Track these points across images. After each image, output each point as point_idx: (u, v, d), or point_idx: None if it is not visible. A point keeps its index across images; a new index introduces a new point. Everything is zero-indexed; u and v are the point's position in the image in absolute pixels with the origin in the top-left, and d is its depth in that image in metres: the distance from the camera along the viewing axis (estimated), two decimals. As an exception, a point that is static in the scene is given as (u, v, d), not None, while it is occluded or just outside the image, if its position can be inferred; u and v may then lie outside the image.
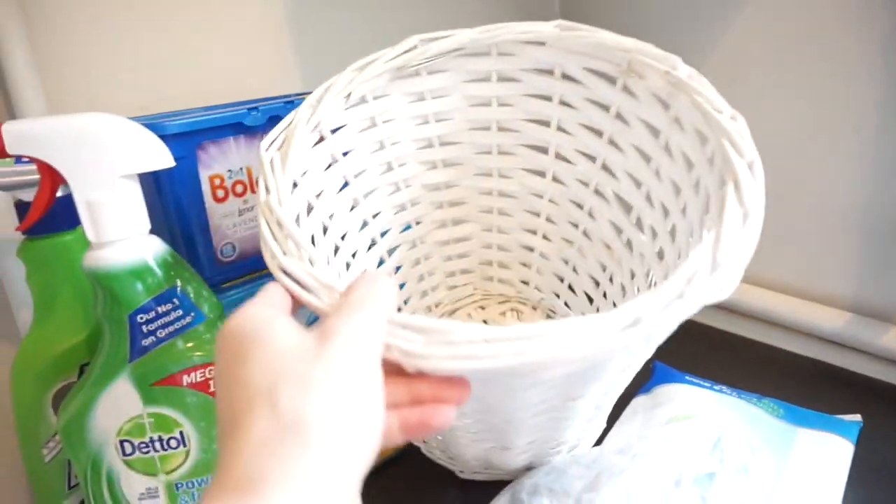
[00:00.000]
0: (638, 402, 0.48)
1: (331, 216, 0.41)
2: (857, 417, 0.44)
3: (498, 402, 0.32)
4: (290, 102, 0.46)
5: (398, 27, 0.67)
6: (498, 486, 0.41)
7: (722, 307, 0.64)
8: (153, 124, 0.39)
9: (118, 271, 0.33)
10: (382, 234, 0.48)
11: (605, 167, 0.44)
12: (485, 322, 0.54)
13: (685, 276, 0.24)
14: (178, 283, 0.35)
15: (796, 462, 0.40)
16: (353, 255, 0.44)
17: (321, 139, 0.40)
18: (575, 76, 0.41)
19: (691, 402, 0.45)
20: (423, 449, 0.46)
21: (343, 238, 0.43)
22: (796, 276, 0.62)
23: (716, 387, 0.48)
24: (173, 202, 0.42)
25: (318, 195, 0.39)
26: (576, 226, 0.48)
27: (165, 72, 0.55)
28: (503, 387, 0.30)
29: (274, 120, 0.45)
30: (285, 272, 0.28)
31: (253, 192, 0.46)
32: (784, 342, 0.60)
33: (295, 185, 0.35)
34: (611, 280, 0.46)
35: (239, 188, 0.45)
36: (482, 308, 0.55)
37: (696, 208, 0.34)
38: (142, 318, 0.34)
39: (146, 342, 0.34)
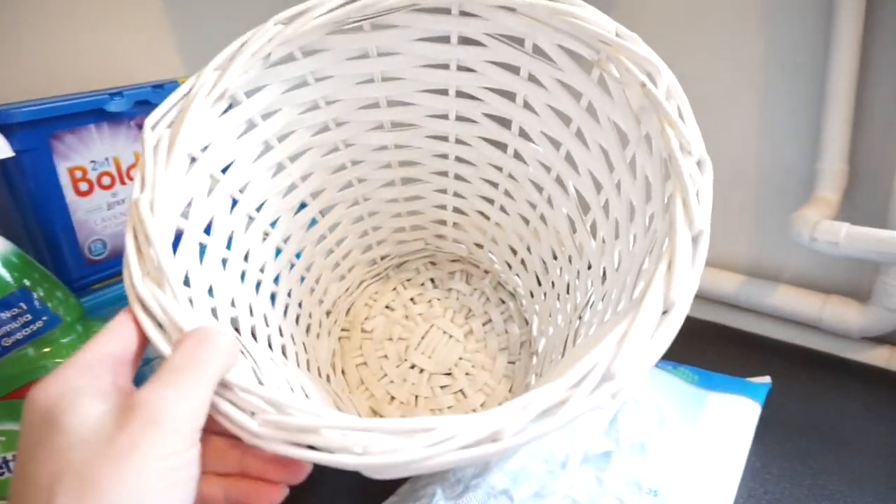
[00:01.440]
0: None
1: (244, 187, 0.38)
2: (767, 379, 0.46)
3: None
4: (160, 87, 0.43)
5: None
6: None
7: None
8: (-5, 113, 0.35)
9: (-48, 275, 0.30)
10: (315, 196, 0.45)
11: (568, 157, 0.41)
12: (432, 280, 0.53)
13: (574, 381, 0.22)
14: (26, 284, 0.32)
15: (704, 425, 0.41)
16: (274, 224, 0.41)
17: (230, 106, 0.35)
18: (548, 52, 0.36)
19: None
20: None
21: (260, 208, 0.40)
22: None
23: None
24: (27, 197, 0.39)
25: (225, 168, 0.36)
26: (534, 207, 0.45)
27: (23, 57, 0.50)
28: None
29: (141, 105, 0.42)
30: (140, 300, 0.25)
31: (123, 183, 0.43)
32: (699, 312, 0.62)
33: (193, 160, 0.32)
34: (559, 272, 0.44)
35: (105, 180, 0.42)
36: (433, 264, 0.54)
37: (641, 246, 0.31)
38: (-17, 326, 0.31)
39: (-9, 352, 0.31)
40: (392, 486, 0.39)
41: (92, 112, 0.40)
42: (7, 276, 0.31)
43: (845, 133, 0.50)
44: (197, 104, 0.31)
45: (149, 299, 0.24)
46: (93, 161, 0.41)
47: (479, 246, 0.52)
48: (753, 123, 0.57)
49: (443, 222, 0.52)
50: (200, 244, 0.33)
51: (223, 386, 0.22)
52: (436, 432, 0.21)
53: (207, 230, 0.34)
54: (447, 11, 0.37)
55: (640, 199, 0.32)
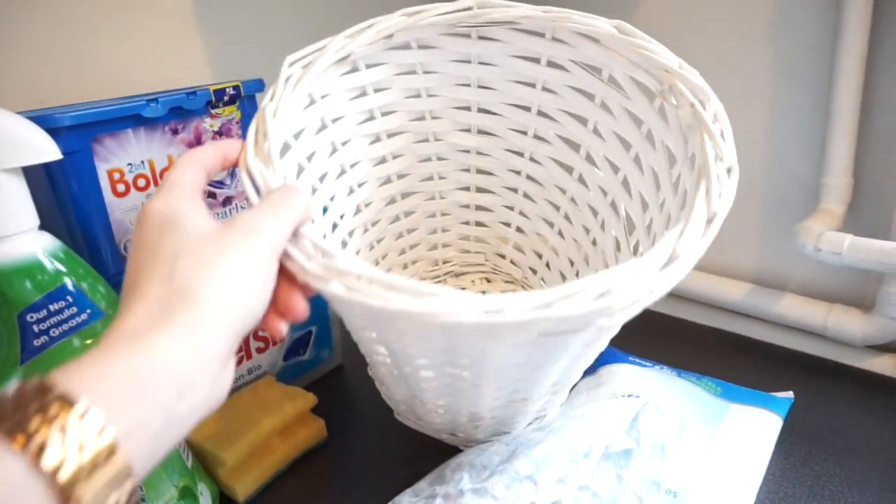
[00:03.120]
0: (583, 382, 0.50)
1: (345, 142, 0.44)
2: (790, 394, 0.47)
3: (462, 359, 0.32)
4: (193, 93, 0.45)
5: (320, 15, 0.67)
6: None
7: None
8: (43, 117, 0.37)
9: (4, 269, 0.32)
10: (400, 176, 0.50)
11: (624, 182, 0.43)
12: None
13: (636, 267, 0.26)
14: (72, 279, 0.34)
15: (725, 434, 0.42)
16: (361, 185, 0.47)
17: (351, 70, 0.41)
18: (620, 82, 0.40)
19: (632, 381, 0.47)
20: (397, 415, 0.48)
21: (354, 166, 0.46)
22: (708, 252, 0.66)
23: (657, 366, 0.50)
24: (69, 197, 0.41)
25: (335, 119, 0.42)
26: (587, 231, 0.47)
27: (66, 64, 0.52)
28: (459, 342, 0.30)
29: (175, 112, 0.44)
30: (248, 170, 0.30)
31: (156, 185, 0.45)
32: (706, 319, 0.63)
33: (312, 101, 0.39)
34: (587, 262, 0.46)
35: (141, 182, 0.44)
36: (488, 281, 0.57)
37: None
38: (32, 318, 0.33)
39: (38, 342, 0.33)
40: (412, 479, 0.41)
41: (130, 117, 0.42)
42: (55, 270, 0.33)
43: (850, 148, 0.52)
44: (326, 58, 0.37)
45: (255, 169, 0.30)
46: (129, 164, 0.43)
47: (534, 271, 0.54)
48: (761, 136, 0.58)
49: (505, 240, 0.55)
50: (300, 165, 0.39)
51: (294, 235, 0.28)
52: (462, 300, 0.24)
53: (309, 159, 0.41)
54: (542, 35, 0.43)
55: (677, 211, 0.35)
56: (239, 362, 0.51)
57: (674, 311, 0.65)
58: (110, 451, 0.18)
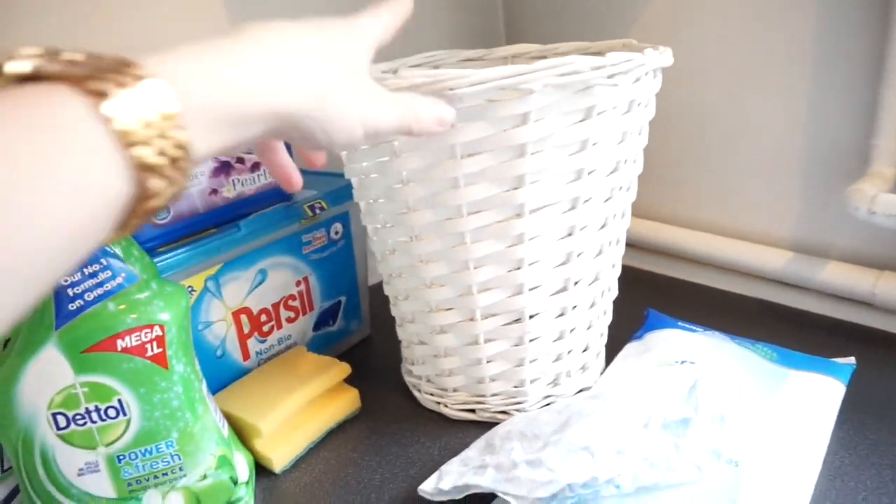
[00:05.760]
0: (630, 348, 0.48)
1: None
2: (851, 360, 0.45)
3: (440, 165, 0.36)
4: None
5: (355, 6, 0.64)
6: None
7: (687, 258, 0.65)
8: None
9: (36, 231, 0.31)
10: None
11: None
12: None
13: None
14: (106, 242, 0.33)
15: (784, 402, 0.40)
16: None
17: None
18: None
19: (682, 346, 0.45)
20: (414, 390, 0.49)
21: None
22: (739, 219, 0.64)
23: (707, 331, 0.48)
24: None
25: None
26: None
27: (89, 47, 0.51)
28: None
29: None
30: None
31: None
32: (745, 288, 0.62)
33: None
34: None
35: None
36: None
37: None
38: (66, 281, 0.32)
39: (73, 306, 0.32)
40: (445, 451, 0.40)
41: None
42: (88, 232, 0.32)
43: (904, 107, 0.49)
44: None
45: None
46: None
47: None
48: (805, 96, 0.56)
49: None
50: None
51: None
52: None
53: None
54: None
55: None
56: (270, 332, 0.50)
57: (711, 281, 0.63)
58: (170, 118, 0.19)
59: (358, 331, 0.59)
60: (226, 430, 0.40)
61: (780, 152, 0.59)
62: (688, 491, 0.34)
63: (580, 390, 0.47)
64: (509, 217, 0.39)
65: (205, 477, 0.38)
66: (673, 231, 0.66)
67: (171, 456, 0.36)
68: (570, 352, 0.45)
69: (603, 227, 0.42)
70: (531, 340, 0.43)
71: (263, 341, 0.50)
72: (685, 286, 0.63)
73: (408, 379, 0.51)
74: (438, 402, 0.47)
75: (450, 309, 0.43)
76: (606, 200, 0.41)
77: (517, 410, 0.45)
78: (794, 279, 0.58)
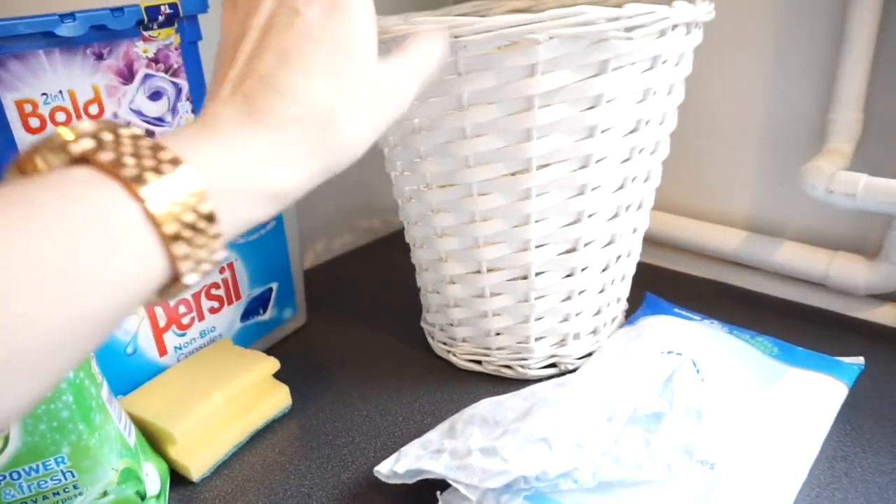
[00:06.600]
0: (621, 333, 0.45)
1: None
2: (860, 360, 0.41)
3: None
4: (119, 10, 0.38)
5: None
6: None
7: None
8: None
9: None
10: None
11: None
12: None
13: None
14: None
15: (777, 401, 0.37)
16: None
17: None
18: None
19: (673, 335, 0.42)
20: (428, 337, 0.51)
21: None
22: (700, 198, 0.61)
23: (706, 320, 0.45)
24: (-33, 133, 0.34)
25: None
26: None
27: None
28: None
29: (98, 32, 0.37)
30: None
31: (79, 119, 0.38)
32: (700, 270, 0.60)
33: None
34: None
35: (60, 116, 0.37)
36: None
37: None
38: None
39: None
40: (385, 448, 0.37)
41: (40, 35, 0.35)
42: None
43: (862, 79, 0.47)
44: None
45: None
46: (44, 94, 0.36)
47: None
48: (761, 71, 0.54)
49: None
50: None
51: None
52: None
53: None
54: None
55: None
56: (189, 324, 0.46)
57: (664, 262, 0.61)
58: (200, 198, 0.20)
59: (292, 319, 0.54)
60: (132, 438, 0.36)
61: (740, 125, 0.56)
62: (655, 490, 0.32)
63: (587, 354, 0.46)
64: (516, 171, 0.38)
65: (105, 494, 0.33)
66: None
67: (63, 473, 0.32)
68: (578, 314, 0.44)
69: (620, 188, 0.40)
70: (537, 298, 0.43)
71: (183, 335, 0.45)
72: (658, 271, 0.61)
73: (424, 326, 0.52)
74: (448, 351, 0.48)
75: (458, 260, 0.43)
76: (624, 161, 0.39)
77: (521, 367, 0.45)
78: (748, 260, 0.56)
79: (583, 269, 0.42)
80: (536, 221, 0.39)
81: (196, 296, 0.46)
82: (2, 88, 0.34)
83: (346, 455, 0.40)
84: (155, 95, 0.42)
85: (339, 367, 0.49)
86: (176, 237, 0.19)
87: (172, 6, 0.41)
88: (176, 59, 0.42)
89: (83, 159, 0.19)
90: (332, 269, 0.67)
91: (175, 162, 0.20)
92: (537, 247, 0.41)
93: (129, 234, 0.18)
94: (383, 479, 0.35)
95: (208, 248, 0.20)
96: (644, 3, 0.34)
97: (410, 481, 0.34)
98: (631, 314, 0.49)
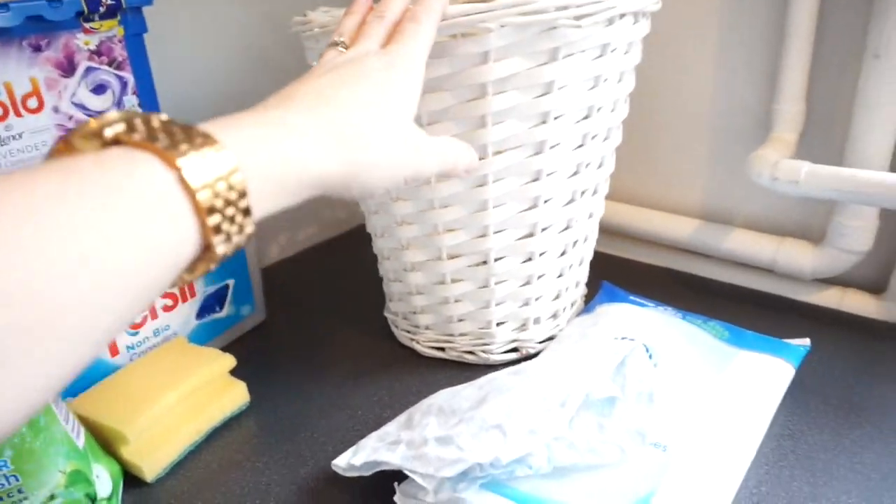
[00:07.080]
0: (577, 321, 0.46)
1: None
2: (806, 342, 0.43)
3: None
4: (58, 0, 0.37)
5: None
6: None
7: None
8: None
9: None
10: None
11: None
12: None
13: None
14: None
15: (727, 383, 0.38)
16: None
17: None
18: None
19: (628, 322, 0.42)
20: (392, 326, 0.51)
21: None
22: (653, 188, 0.63)
23: (660, 307, 0.46)
24: None
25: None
26: None
27: None
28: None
29: (35, 23, 0.36)
30: None
31: (18, 114, 0.36)
32: (652, 258, 0.61)
33: None
34: None
35: (-4, 110, 0.36)
36: None
37: None
38: None
39: None
40: (343, 443, 0.37)
41: (-28, 26, 0.34)
42: None
43: (804, 71, 0.49)
44: None
45: None
46: (-22, 87, 0.35)
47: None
48: (710, 64, 0.55)
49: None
50: None
51: None
52: None
53: None
54: None
55: None
56: (142, 323, 0.45)
57: (618, 251, 0.62)
58: (232, 171, 0.20)
59: (251, 316, 0.54)
60: (81, 440, 0.35)
61: (689, 116, 0.58)
62: (609, 473, 0.32)
63: (548, 338, 0.47)
64: (472, 157, 0.39)
65: (52, 497, 0.32)
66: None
67: (6, 477, 0.31)
68: (538, 298, 0.45)
69: (575, 174, 0.41)
70: (497, 283, 0.44)
71: (135, 334, 0.44)
72: (614, 260, 0.62)
73: (387, 315, 0.52)
74: (412, 339, 0.49)
75: (418, 247, 0.44)
76: (578, 147, 0.40)
77: (484, 352, 0.46)
78: (700, 248, 0.57)
79: (541, 254, 0.43)
80: (494, 207, 0.40)
81: (148, 294, 0.45)
82: (-68, 81, 0.33)
83: (304, 450, 0.40)
84: (98, 89, 0.41)
85: (299, 362, 0.49)
86: (210, 208, 0.20)
87: (115, -3, 0.40)
88: (120, 52, 0.41)
89: (116, 142, 0.20)
90: (295, 263, 0.67)
91: (207, 137, 0.20)
92: (496, 232, 0.41)
93: (164, 200, 0.19)
94: (341, 473, 0.35)
95: (239, 222, 0.21)
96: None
97: (368, 473, 0.34)
98: (589, 301, 0.49)
